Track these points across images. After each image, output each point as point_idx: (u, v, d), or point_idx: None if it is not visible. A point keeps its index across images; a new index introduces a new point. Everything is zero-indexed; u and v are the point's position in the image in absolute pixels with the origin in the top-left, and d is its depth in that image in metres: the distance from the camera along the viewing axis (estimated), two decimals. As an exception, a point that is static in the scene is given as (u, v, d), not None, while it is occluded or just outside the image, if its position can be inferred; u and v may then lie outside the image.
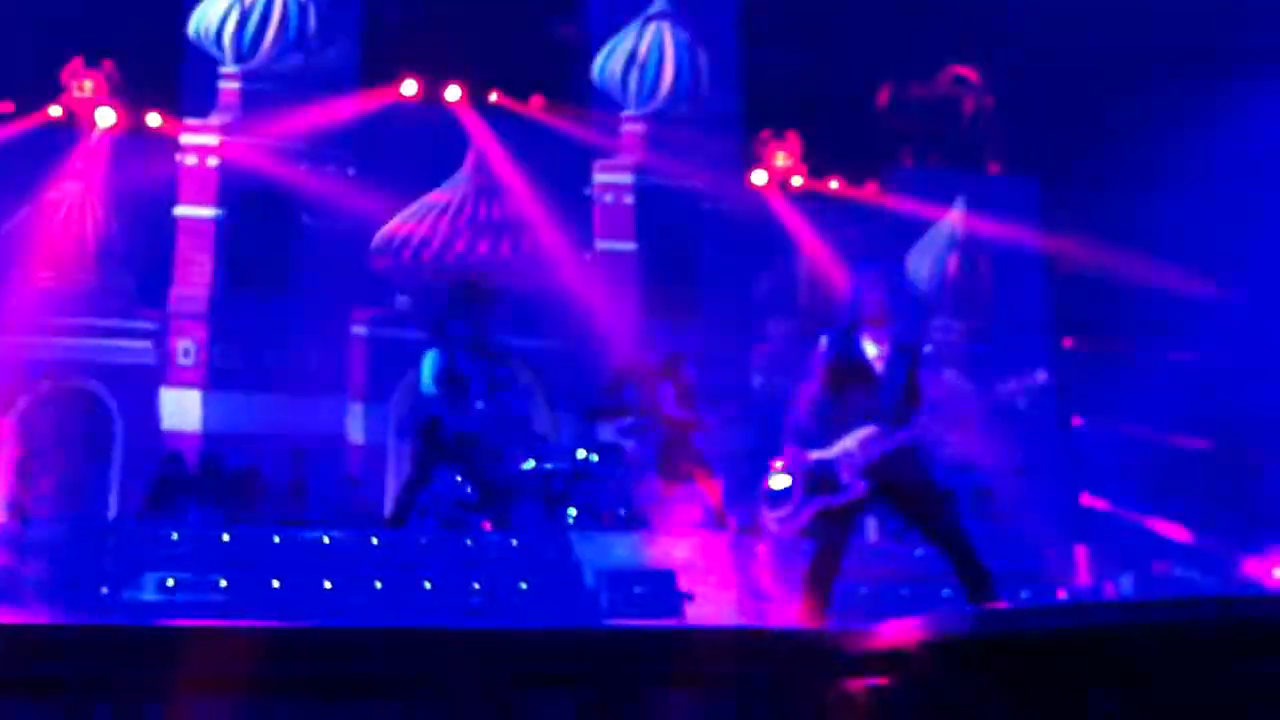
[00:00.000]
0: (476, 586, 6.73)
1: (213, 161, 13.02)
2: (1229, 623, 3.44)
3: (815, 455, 5.04)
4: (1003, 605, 4.79)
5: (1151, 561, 8.82)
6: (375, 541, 7.06)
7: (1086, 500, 11.34)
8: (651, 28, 14.47)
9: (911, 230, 14.77)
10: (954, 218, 14.88)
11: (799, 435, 5.09)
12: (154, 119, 13.05)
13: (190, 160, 12.98)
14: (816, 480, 5.02)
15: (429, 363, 7.86)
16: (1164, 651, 3.73)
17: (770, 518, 5.15)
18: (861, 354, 5.12)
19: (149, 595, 6.47)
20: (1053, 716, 3.95)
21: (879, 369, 5.10)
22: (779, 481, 5.13)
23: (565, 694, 3.93)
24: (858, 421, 5.02)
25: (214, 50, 13.20)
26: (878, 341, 5.13)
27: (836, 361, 5.12)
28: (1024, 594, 7.28)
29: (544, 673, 3.93)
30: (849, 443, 5.01)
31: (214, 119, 13.08)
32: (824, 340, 5.21)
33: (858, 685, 4.10)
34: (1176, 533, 10.14)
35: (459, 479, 9.22)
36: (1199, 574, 8.93)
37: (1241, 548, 9.15)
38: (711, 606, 6.61)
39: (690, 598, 6.30)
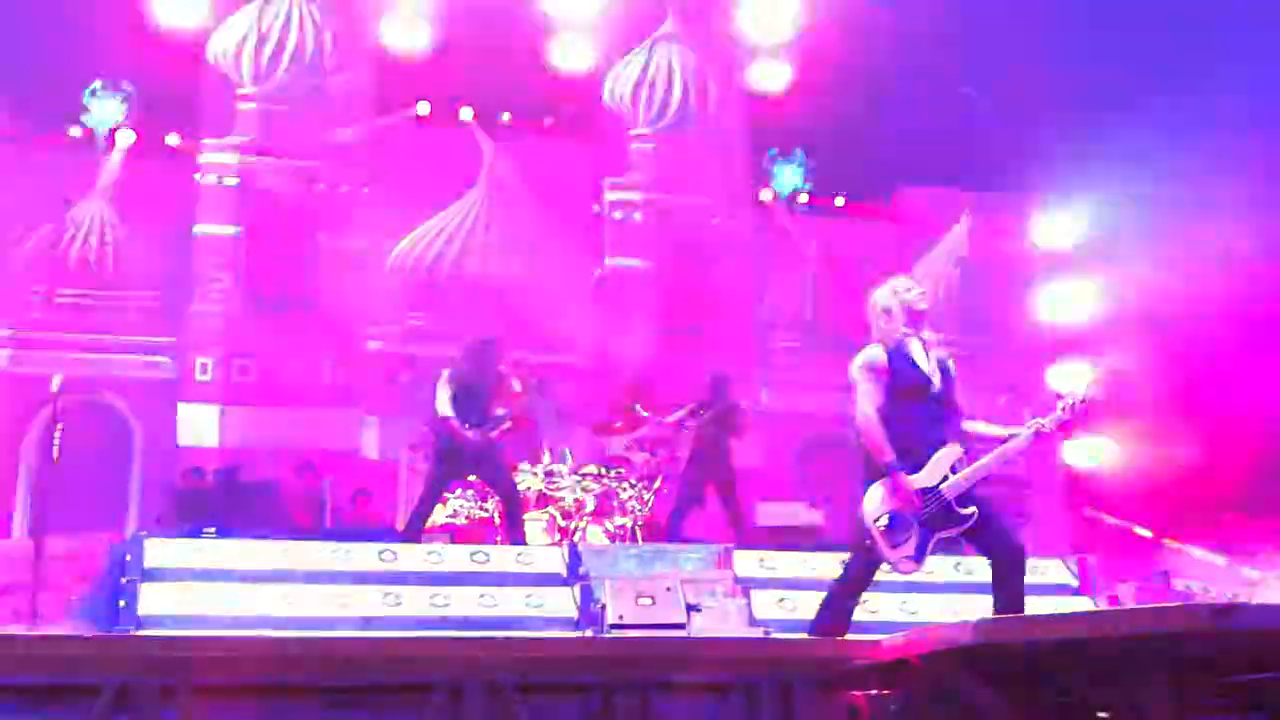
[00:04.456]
0: (487, 598, 6.79)
1: (231, 181, 13.16)
2: (1226, 633, 3.48)
3: (920, 482, 4.74)
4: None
5: (1152, 572, 8.86)
6: (388, 555, 7.13)
7: (1088, 512, 11.39)
8: (660, 48, 14.61)
9: (917, 247, 14.85)
10: (958, 235, 14.96)
11: (897, 460, 4.74)
12: (173, 139, 13.23)
13: (209, 179, 13.14)
14: (931, 510, 4.74)
15: (442, 383, 7.95)
16: (1164, 661, 3.77)
17: (894, 556, 4.76)
18: (923, 370, 4.89)
19: (166, 608, 6.55)
20: (1055, 726, 4.00)
21: (937, 387, 4.89)
22: (888, 512, 4.75)
23: (572, 703, 3.99)
24: (924, 440, 4.82)
25: (232, 72, 13.37)
26: (926, 355, 4.93)
27: (902, 376, 4.86)
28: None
29: (551, 682, 3.99)
30: (943, 467, 4.77)
31: (232, 139, 13.24)
32: (879, 353, 4.90)
33: (862, 696, 4.14)
34: (1177, 544, 10.16)
35: (471, 493, 9.34)
36: (1200, 585, 8.96)
37: (1241, 558, 9.20)
38: (718, 617, 6.67)
39: (698, 609, 6.35)
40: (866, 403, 4.87)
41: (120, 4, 12.48)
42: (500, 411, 8.05)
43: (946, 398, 4.95)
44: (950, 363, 5.06)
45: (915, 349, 4.96)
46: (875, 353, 4.95)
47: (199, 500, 9.73)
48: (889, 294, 5.04)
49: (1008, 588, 4.79)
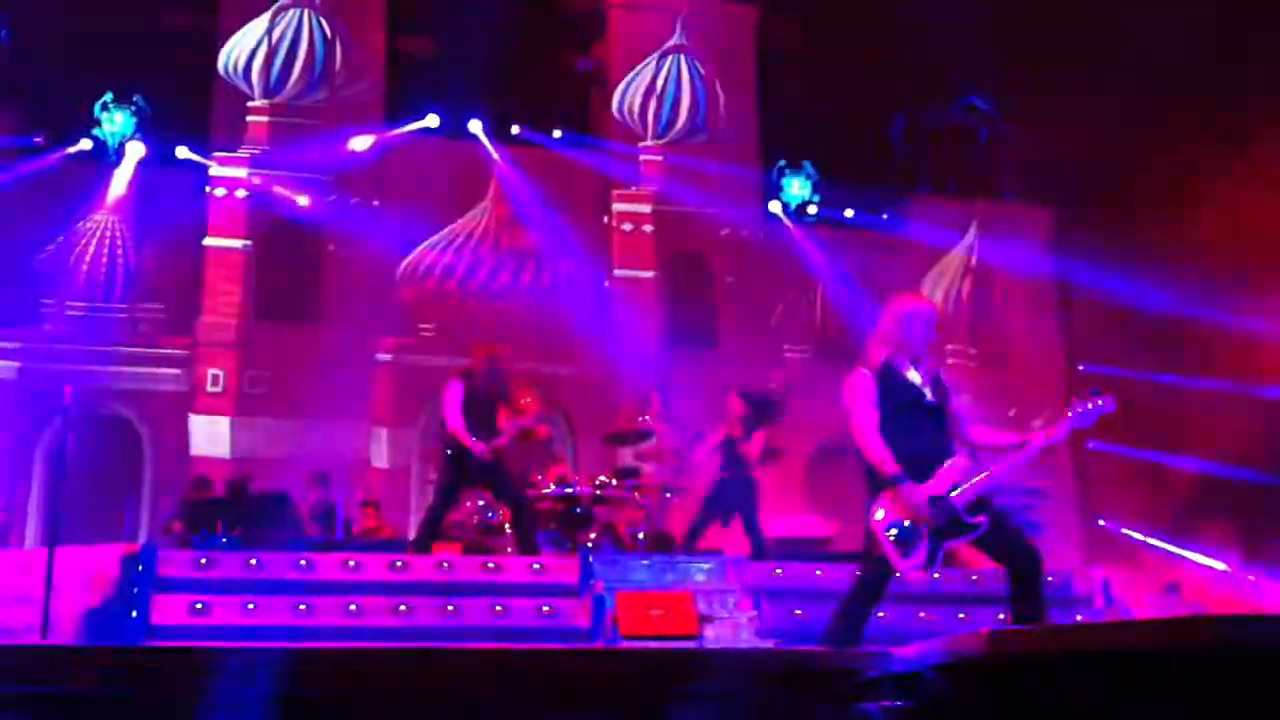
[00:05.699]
0: (498, 609, 6.79)
1: (241, 193, 13.22)
2: (1239, 644, 3.46)
3: (927, 492, 4.77)
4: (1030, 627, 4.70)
5: (1166, 584, 8.82)
6: (399, 565, 7.13)
7: (1101, 523, 11.34)
8: (670, 60, 14.65)
9: (925, 258, 14.85)
10: (967, 245, 14.95)
11: (902, 472, 4.79)
12: (183, 152, 13.29)
13: (219, 192, 13.20)
14: (940, 519, 4.78)
15: (451, 393, 7.95)
16: (1178, 673, 3.76)
17: (905, 566, 4.80)
18: (914, 384, 4.97)
19: (178, 619, 6.56)
20: (1068, 739, 3.97)
21: (931, 398, 4.96)
22: (897, 523, 4.79)
23: (585, 715, 3.98)
24: (928, 452, 4.86)
25: (243, 85, 13.44)
26: (917, 370, 5.00)
27: (893, 392, 4.93)
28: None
29: (563, 694, 3.98)
30: (950, 477, 4.81)
31: (243, 152, 13.30)
32: (863, 376, 4.98)
33: (875, 708, 4.12)
34: (1191, 555, 10.15)
35: (481, 503, 9.34)
36: (1212, 594, 8.93)
37: (1254, 569, 9.18)
38: (730, 628, 6.65)
39: (710, 620, 6.34)
40: (862, 425, 4.95)
41: (132, 17, 12.57)
42: (509, 423, 8.05)
43: (944, 409, 4.99)
44: (942, 374, 5.11)
45: (905, 365, 5.01)
46: (859, 377, 5.03)
47: (210, 511, 9.73)
48: (892, 312, 5.10)
49: (1027, 593, 4.80)
